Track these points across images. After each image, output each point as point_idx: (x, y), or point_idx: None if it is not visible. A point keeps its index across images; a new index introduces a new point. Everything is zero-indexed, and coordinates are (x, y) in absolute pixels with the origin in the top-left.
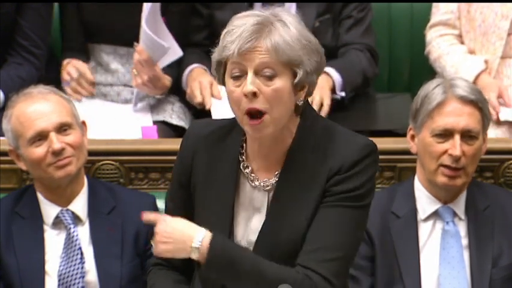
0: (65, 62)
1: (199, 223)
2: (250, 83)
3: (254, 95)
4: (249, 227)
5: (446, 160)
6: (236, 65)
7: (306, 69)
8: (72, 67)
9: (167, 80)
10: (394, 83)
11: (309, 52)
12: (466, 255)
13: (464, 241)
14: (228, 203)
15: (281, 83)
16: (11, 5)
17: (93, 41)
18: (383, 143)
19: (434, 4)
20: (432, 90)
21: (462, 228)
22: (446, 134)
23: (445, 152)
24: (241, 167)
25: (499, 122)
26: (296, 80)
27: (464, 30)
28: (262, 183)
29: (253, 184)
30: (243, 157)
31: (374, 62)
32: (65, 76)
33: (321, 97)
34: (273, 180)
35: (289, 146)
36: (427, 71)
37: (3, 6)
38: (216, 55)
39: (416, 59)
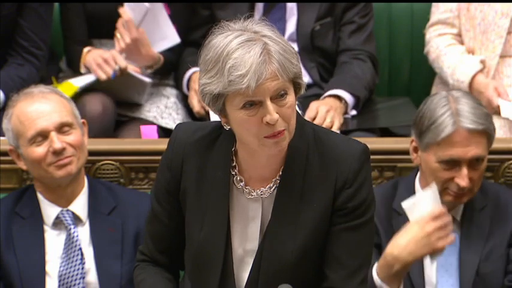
0: (86, 50)
1: (192, 230)
2: (272, 112)
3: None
4: (245, 236)
5: (452, 187)
6: (249, 97)
7: (302, 77)
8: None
9: (155, 52)
10: (394, 83)
11: (297, 59)
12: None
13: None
14: (223, 215)
15: (291, 98)
16: (11, 6)
17: (94, 36)
18: (383, 143)
19: (434, 4)
20: (439, 117)
21: (456, 229)
22: (452, 163)
23: (451, 178)
24: (234, 181)
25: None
26: (302, 91)
27: (464, 28)
28: (258, 194)
29: (249, 196)
30: (235, 170)
31: (375, 71)
32: (92, 65)
33: (332, 121)
34: (269, 188)
35: (284, 154)
36: (427, 71)
37: (4, 7)
38: (214, 88)
39: (416, 59)
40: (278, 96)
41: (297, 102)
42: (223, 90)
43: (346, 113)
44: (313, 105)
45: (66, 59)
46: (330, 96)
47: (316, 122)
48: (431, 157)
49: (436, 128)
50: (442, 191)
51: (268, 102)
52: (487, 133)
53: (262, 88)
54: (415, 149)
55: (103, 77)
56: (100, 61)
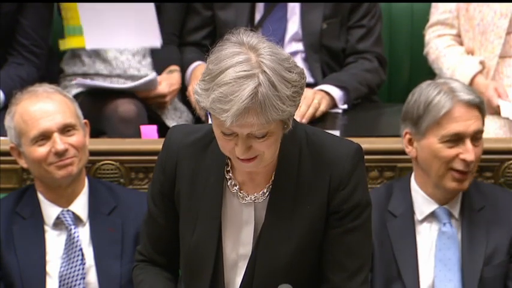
0: None
1: (185, 233)
2: (241, 147)
3: (248, 148)
4: (238, 240)
5: (457, 165)
6: (224, 128)
7: (293, 115)
8: None
9: (173, 77)
10: (393, 83)
11: (295, 99)
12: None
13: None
14: (216, 218)
15: (273, 136)
16: (12, 5)
17: None
18: (383, 143)
19: (434, 4)
20: (435, 97)
21: (455, 226)
22: (456, 139)
23: (456, 156)
24: (228, 185)
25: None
26: (287, 129)
27: (463, 29)
28: (251, 199)
29: (243, 201)
30: (230, 174)
31: (382, 70)
32: None
33: (319, 102)
34: (262, 194)
35: (276, 159)
36: (427, 71)
37: (4, 5)
38: (201, 101)
39: (416, 59)
40: (256, 136)
41: None
42: (207, 108)
43: (335, 107)
44: None
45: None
46: (317, 90)
47: (304, 102)
48: (432, 139)
49: (434, 107)
50: (445, 175)
51: (242, 138)
52: (481, 108)
53: (239, 127)
54: (410, 141)
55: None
56: None
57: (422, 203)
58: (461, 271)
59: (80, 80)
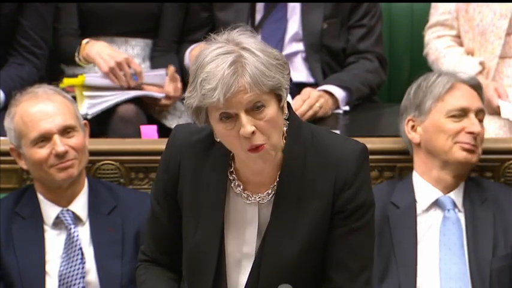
0: (84, 41)
1: (188, 232)
2: (245, 124)
3: (253, 132)
4: (242, 239)
5: (463, 138)
6: (223, 110)
7: (285, 88)
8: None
9: (177, 85)
10: (393, 83)
11: (281, 70)
12: (466, 246)
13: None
14: (218, 217)
15: (271, 110)
16: (12, 5)
17: (89, 35)
18: (383, 143)
19: (433, 4)
20: (436, 78)
21: (462, 219)
22: (460, 115)
23: (461, 130)
24: (232, 186)
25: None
26: (282, 102)
27: (463, 30)
28: (256, 199)
29: (246, 201)
30: (233, 175)
31: (382, 70)
32: (102, 65)
33: (321, 106)
34: (267, 194)
35: (280, 159)
36: (427, 71)
37: (4, 6)
38: (193, 102)
39: (416, 59)
40: (255, 109)
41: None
42: (200, 103)
43: (338, 107)
44: (307, 90)
45: (57, 52)
46: (321, 91)
47: (307, 103)
48: (437, 116)
49: (437, 85)
50: (452, 148)
51: (242, 115)
52: (480, 92)
53: (233, 101)
54: (413, 128)
55: (118, 84)
56: (113, 64)
57: (426, 192)
58: (467, 258)
59: (91, 107)
